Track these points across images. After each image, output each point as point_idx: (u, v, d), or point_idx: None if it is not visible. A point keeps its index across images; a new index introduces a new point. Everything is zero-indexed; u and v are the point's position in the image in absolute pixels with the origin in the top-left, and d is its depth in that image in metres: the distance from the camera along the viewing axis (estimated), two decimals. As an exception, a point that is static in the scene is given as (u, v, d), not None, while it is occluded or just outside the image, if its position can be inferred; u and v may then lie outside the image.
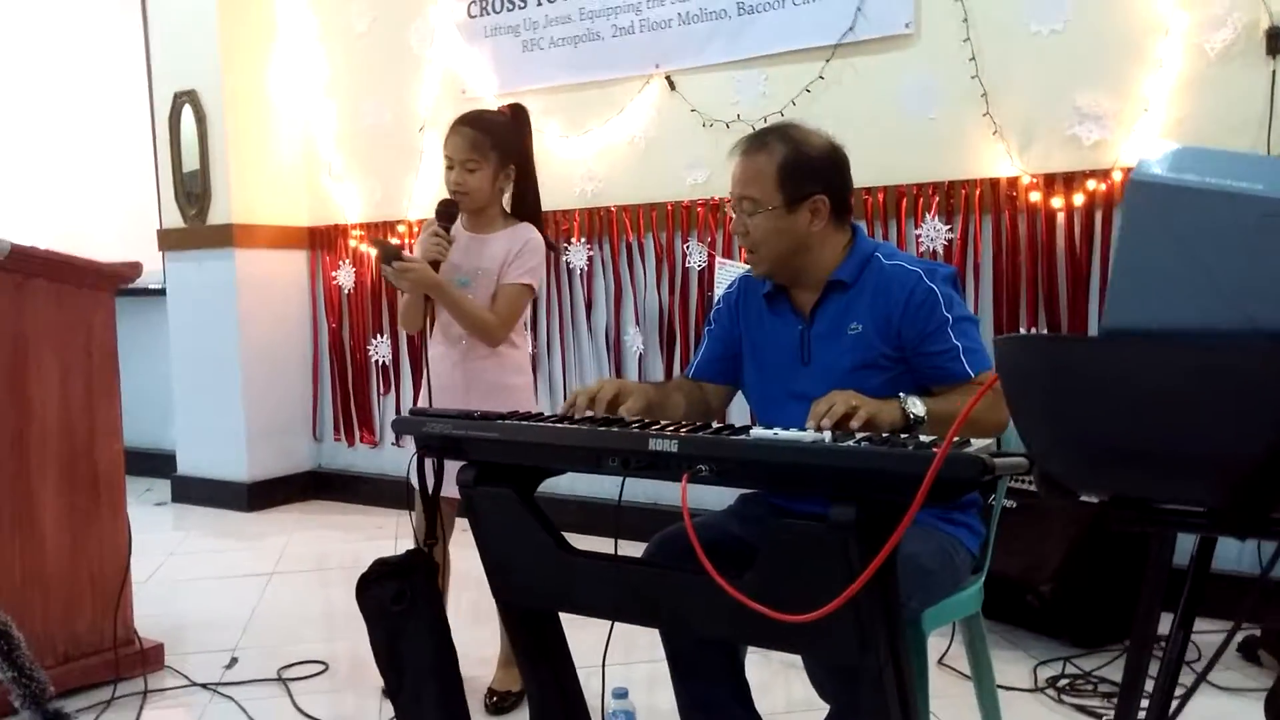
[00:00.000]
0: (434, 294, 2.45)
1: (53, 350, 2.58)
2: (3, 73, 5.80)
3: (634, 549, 1.73)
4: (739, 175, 1.93)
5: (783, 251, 1.93)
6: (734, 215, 1.97)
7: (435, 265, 2.44)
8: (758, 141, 1.93)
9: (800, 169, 1.89)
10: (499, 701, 2.55)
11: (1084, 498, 2.80)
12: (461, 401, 2.40)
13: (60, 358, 2.60)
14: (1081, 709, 2.44)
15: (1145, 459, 0.85)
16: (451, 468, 2.46)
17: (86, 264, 2.65)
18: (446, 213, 2.49)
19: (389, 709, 2.48)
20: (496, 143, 2.46)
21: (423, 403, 2.59)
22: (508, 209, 2.59)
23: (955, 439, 1.27)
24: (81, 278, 2.63)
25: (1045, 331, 3.19)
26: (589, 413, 1.75)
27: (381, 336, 4.74)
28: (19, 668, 2.44)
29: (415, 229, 4.26)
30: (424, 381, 2.55)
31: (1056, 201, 3.20)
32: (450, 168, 2.47)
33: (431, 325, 2.66)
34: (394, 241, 2.49)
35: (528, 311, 2.63)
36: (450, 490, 2.50)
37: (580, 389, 1.83)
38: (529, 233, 2.53)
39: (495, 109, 2.59)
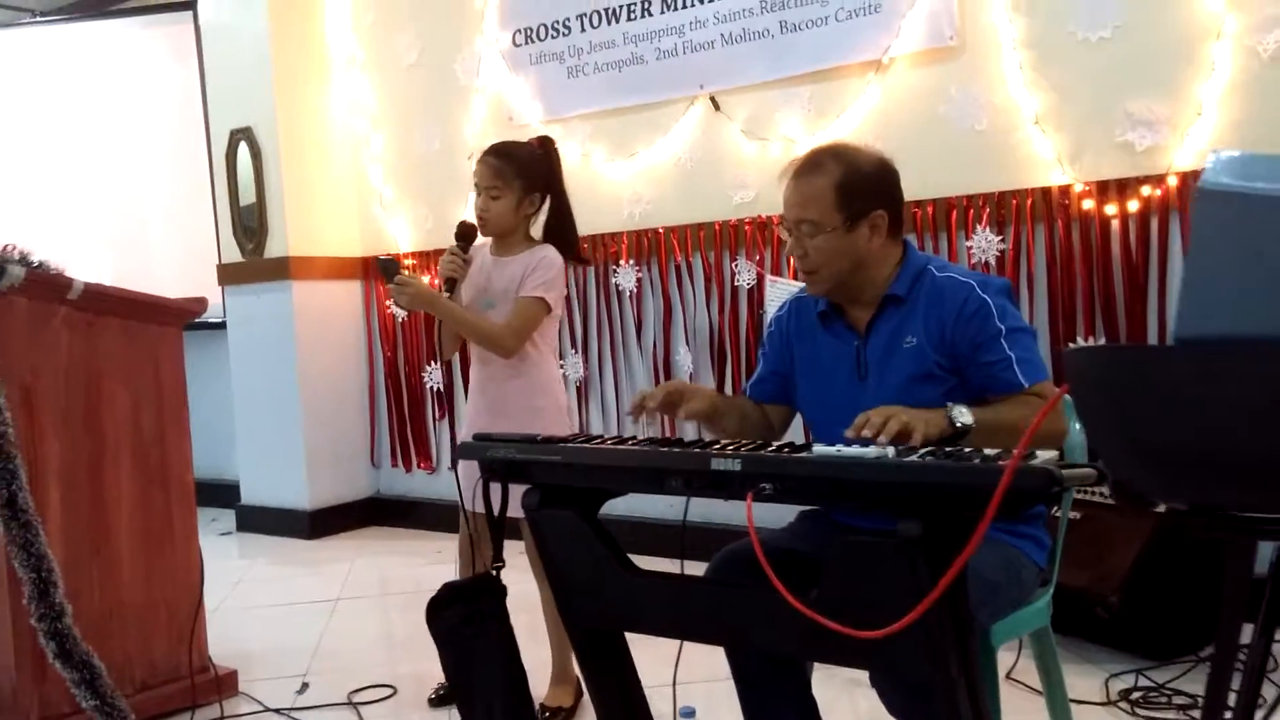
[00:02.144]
0: (432, 309, 2.57)
1: (124, 384, 2.66)
2: (65, 114, 5.98)
3: (690, 568, 1.75)
4: (794, 199, 1.93)
5: (843, 270, 1.94)
6: (788, 239, 1.97)
7: (452, 282, 2.57)
8: (811, 163, 1.94)
9: (857, 187, 1.90)
10: (550, 717, 2.62)
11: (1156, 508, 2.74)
12: (492, 424, 2.47)
13: (131, 391, 2.67)
14: (1156, 722, 2.40)
15: (1223, 467, 0.85)
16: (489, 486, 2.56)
17: (155, 300, 2.73)
18: (463, 234, 2.61)
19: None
20: (520, 171, 2.56)
21: (465, 428, 2.70)
22: (536, 235, 2.68)
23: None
24: (150, 314, 2.71)
25: (1103, 341, 3.15)
26: (654, 410, 1.79)
27: (435, 363, 4.80)
28: (101, 696, 2.50)
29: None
30: (470, 405, 2.66)
31: (1110, 209, 3.17)
32: (478, 194, 2.59)
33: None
34: (393, 259, 2.61)
35: (554, 330, 2.69)
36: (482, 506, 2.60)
37: (643, 390, 1.88)
38: (545, 250, 2.60)
39: (526, 141, 2.69)
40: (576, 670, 2.70)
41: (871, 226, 1.91)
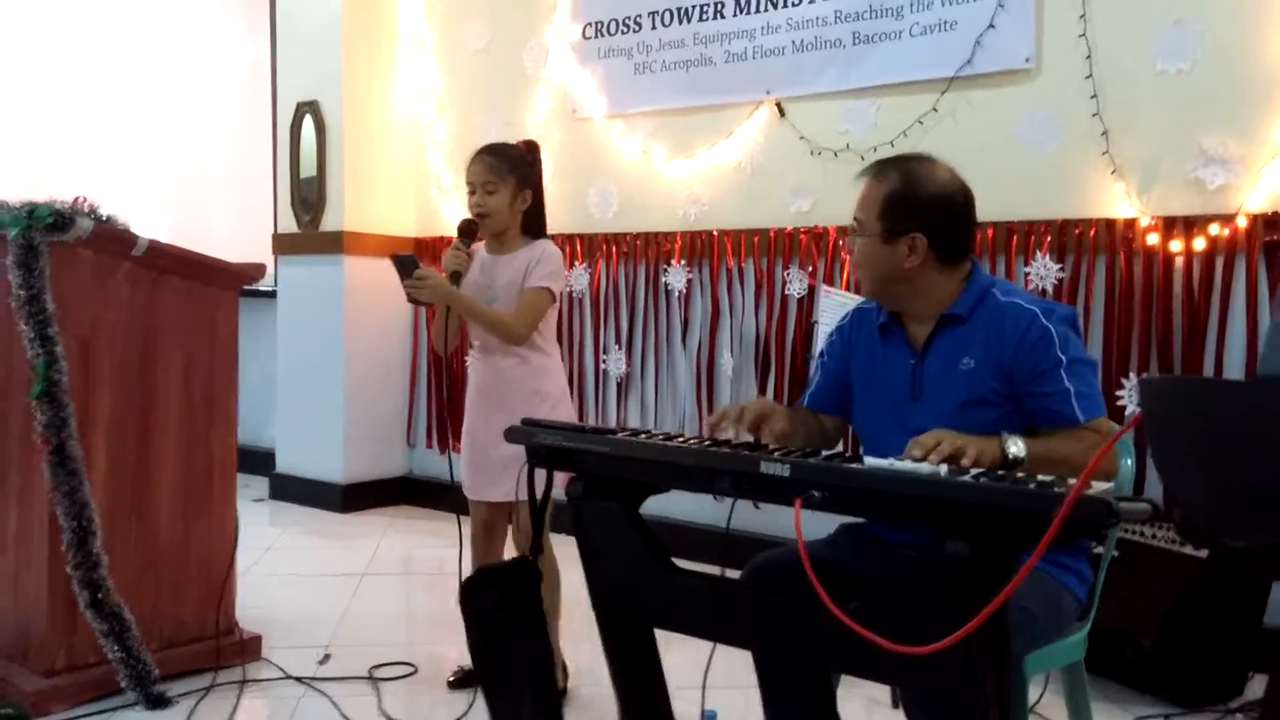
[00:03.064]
0: (450, 301, 2.65)
1: (179, 344, 2.69)
2: (137, 76, 6.09)
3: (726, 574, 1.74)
4: (859, 195, 1.97)
5: (879, 278, 1.95)
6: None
7: (456, 276, 2.67)
8: (880, 167, 1.96)
9: (904, 206, 1.90)
10: None
11: (1190, 550, 2.70)
12: (497, 409, 2.59)
13: (185, 351, 2.71)
14: (1183, 770, 2.35)
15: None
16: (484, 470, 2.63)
17: (216, 263, 2.76)
18: (467, 229, 2.71)
19: (476, 713, 2.52)
20: (512, 168, 2.69)
21: (466, 419, 2.78)
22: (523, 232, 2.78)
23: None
24: (210, 276, 2.75)
25: (1158, 378, 3.10)
26: (735, 432, 1.78)
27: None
28: (128, 649, 2.55)
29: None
30: (467, 397, 2.78)
31: (1175, 245, 3.12)
32: (472, 193, 2.69)
33: (464, 345, 2.83)
34: (411, 255, 2.67)
35: (554, 319, 2.77)
36: (488, 494, 2.66)
37: (729, 406, 1.87)
38: (546, 245, 2.72)
39: (514, 143, 2.83)
40: (564, 656, 2.74)
41: (910, 246, 1.90)
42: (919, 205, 1.90)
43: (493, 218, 2.68)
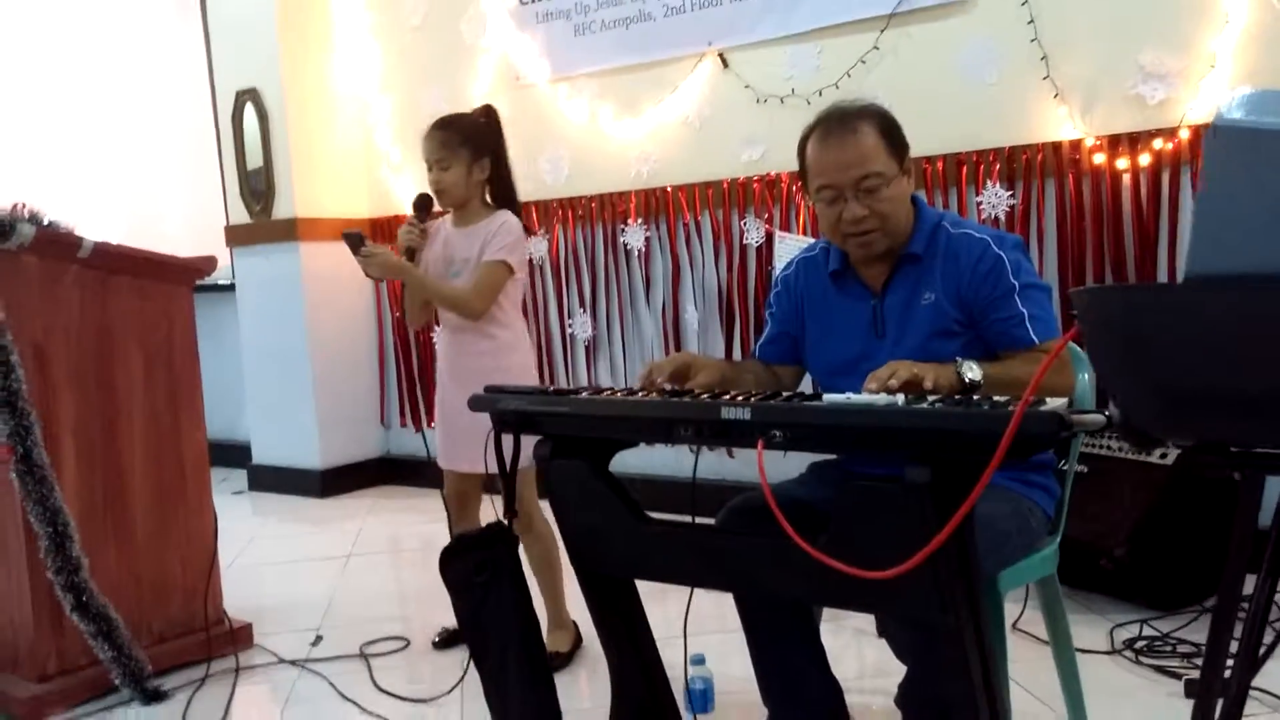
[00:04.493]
0: (400, 277, 2.66)
1: (136, 343, 2.67)
2: (71, 75, 5.97)
3: (700, 523, 1.76)
4: (848, 158, 1.88)
5: (905, 214, 1.94)
6: (830, 207, 1.91)
7: (411, 252, 2.68)
8: (843, 122, 1.90)
9: (895, 132, 1.92)
10: (549, 661, 2.65)
11: (1157, 459, 2.76)
12: (465, 386, 2.50)
13: (144, 350, 2.69)
14: (1161, 670, 2.43)
15: (1233, 403, 0.85)
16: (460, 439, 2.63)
17: (165, 259, 2.74)
18: (421, 204, 2.73)
19: (471, 679, 2.56)
20: (465, 139, 2.65)
21: (437, 394, 2.82)
22: (490, 201, 2.76)
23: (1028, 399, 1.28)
24: (161, 272, 2.72)
25: (1112, 295, 3.15)
26: (662, 384, 1.78)
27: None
28: (118, 647, 2.55)
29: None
30: (437, 371, 2.79)
31: (1122, 163, 3.15)
32: (430, 169, 2.67)
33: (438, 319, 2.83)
34: (357, 231, 2.67)
35: (519, 292, 2.75)
36: (457, 464, 2.69)
37: (652, 362, 1.87)
38: (504, 216, 2.68)
39: (469, 111, 2.78)
40: (573, 619, 2.79)
41: (911, 168, 1.95)
42: (898, 127, 1.94)
43: (448, 193, 2.67)
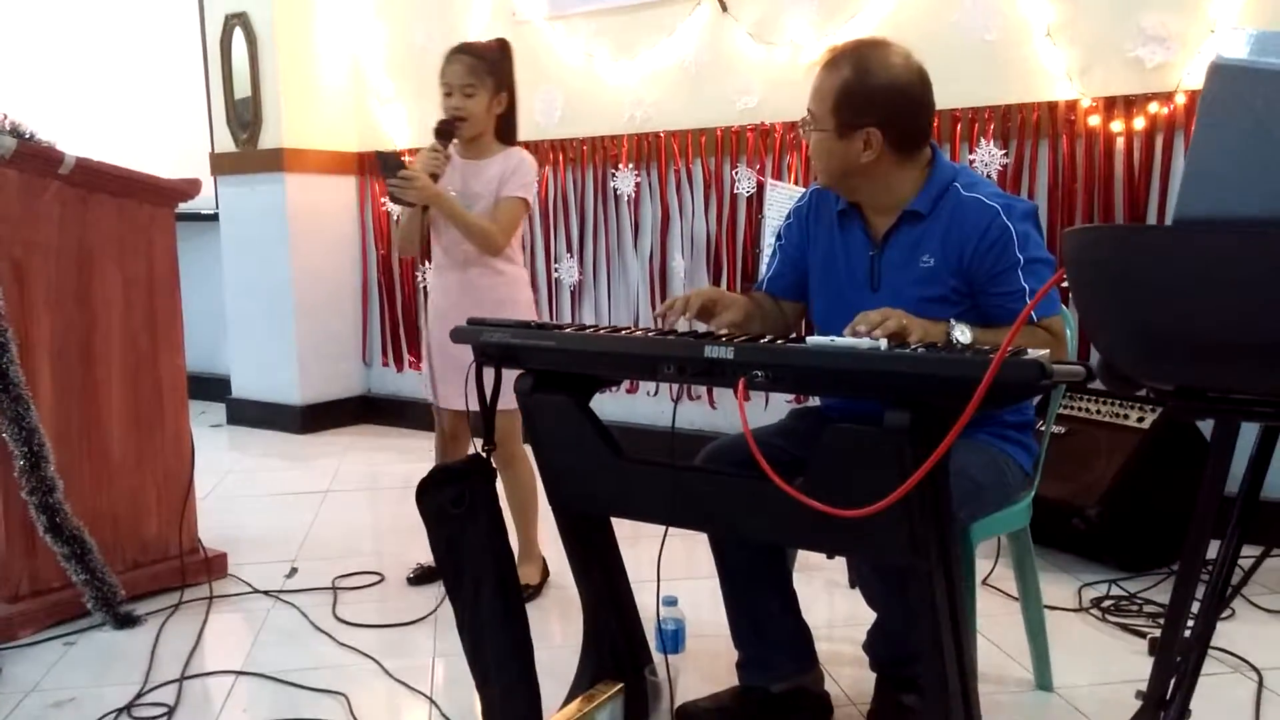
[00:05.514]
0: (436, 204, 2.61)
1: (116, 263, 2.64)
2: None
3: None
4: (812, 86, 1.90)
5: (835, 172, 1.91)
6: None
7: (434, 179, 2.60)
8: (834, 57, 1.88)
9: (856, 98, 1.83)
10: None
11: (1135, 423, 2.77)
12: (464, 317, 2.47)
13: (123, 270, 2.65)
14: (1125, 628, 2.46)
15: (1213, 347, 0.85)
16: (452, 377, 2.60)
17: (148, 179, 2.69)
18: (445, 131, 2.64)
19: (443, 613, 2.57)
20: (491, 69, 2.62)
21: (427, 327, 2.78)
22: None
23: (1010, 349, 1.27)
24: (143, 192, 2.68)
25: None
26: (685, 321, 1.77)
27: (429, 262, 4.76)
28: (91, 570, 2.55)
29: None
30: (425, 306, 2.75)
31: (1116, 125, 3.14)
32: (449, 94, 2.62)
33: (427, 251, 2.80)
34: (396, 154, 2.61)
35: (524, 229, 2.75)
36: (456, 404, 2.68)
37: (677, 296, 1.86)
38: (521, 154, 2.68)
39: (487, 42, 2.73)
40: (543, 555, 2.81)
41: (864, 141, 1.85)
42: (872, 97, 1.83)
43: (470, 121, 2.62)
